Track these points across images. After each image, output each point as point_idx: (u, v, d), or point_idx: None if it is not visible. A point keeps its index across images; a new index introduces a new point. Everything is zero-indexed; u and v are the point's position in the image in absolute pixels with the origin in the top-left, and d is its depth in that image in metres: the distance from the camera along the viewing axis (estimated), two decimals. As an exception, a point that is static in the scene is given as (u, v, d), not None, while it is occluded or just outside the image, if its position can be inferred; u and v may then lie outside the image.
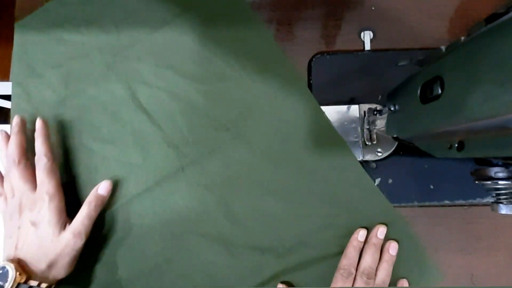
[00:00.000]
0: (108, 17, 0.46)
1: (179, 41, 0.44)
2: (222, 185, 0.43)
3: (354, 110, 0.47)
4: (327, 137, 0.44)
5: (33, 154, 0.39)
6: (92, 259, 0.42)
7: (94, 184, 0.42)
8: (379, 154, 0.47)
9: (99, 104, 0.44)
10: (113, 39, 0.46)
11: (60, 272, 0.35)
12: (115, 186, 0.44)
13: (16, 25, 0.48)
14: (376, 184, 0.45)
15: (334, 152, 0.43)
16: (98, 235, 0.43)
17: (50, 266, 0.34)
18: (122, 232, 0.43)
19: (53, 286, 0.35)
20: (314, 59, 0.49)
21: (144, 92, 0.45)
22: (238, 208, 0.43)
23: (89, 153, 0.44)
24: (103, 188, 0.41)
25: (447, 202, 0.46)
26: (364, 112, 0.47)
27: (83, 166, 0.44)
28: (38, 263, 0.34)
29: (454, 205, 0.46)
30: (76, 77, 0.46)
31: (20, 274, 0.32)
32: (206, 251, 0.43)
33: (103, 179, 0.44)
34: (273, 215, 0.42)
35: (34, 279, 0.33)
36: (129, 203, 0.44)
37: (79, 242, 0.36)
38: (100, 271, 0.42)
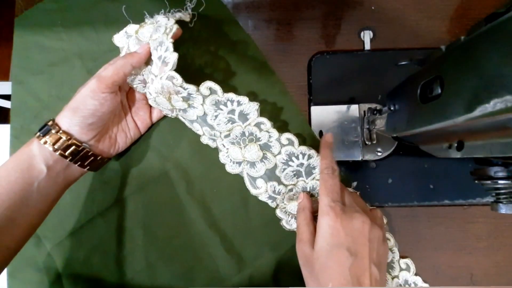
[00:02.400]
0: (88, 22, 0.47)
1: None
2: (203, 189, 0.44)
3: (354, 109, 0.47)
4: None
5: None
6: (75, 266, 0.43)
7: (76, 189, 0.42)
8: (379, 153, 0.47)
9: None
10: (94, 45, 0.46)
11: (77, 121, 0.35)
12: (95, 192, 0.44)
13: (16, 24, 0.48)
14: (352, 187, 0.45)
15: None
16: (82, 243, 0.44)
17: (74, 110, 0.35)
18: (104, 236, 0.44)
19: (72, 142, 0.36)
20: (314, 58, 0.49)
21: None
22: (217, 213, 0.43)
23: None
24: (141, 47, 0.38)
25: (447, 202, 0.46)
26: (364, 111, 0.47)
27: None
28: (65, 109, 0.36)
29: (454, 205, 0.46)
30: (58, 83, 0.46)
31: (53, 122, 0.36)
32: (186, 255, 0.43)
33: (84, 185, 0.44)
34: (252, 219, 0.43)
35: (59, 123, 0.35)
36: (112, 208, 0.44)
37: (100, 86, 0.35)
38: (85, 277, 0.43)
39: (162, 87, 0.37)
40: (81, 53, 0.47)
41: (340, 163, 0.44)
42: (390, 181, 0.47)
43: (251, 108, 0.39)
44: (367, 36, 0.49)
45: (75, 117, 0.35)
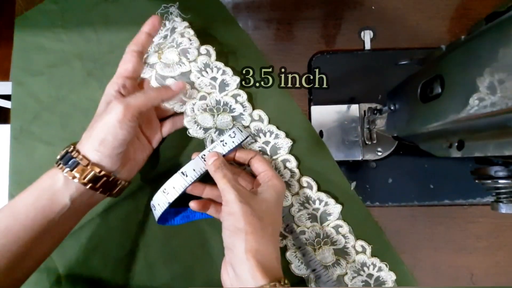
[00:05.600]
0: (88, 24, 0.46)
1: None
2: None
3: (354, 109, 0.47)
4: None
5: None
6: (74, 266, 0.43)
7: None
8: (379, 153, 0.47)
9: (80, 110, 0.44)
10: (94, 46, 0.46)
11: (107, 153, 0.32)
12: None
13: (16, 25, 0.48)
14: (352, 188, 0.45)
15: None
16: (81, 243, 0.43)
17: (102, 141, 0.32)
18: (104, 237, 0.44)
19: (97, 171, 0.33)
20: (314, 58, 0.49)
21: None
22: None
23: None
24: (176, 84, 0.37)
25: (447, 201, 0.46)
26: (364, 111, 0.47)
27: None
28: (90, 139, 0.33)
29: (454, 205, 0.46)
30: (58, 84, 0.46)
31: (74, 148, 0.33)
32: (186, 255, 0.43)
33: None
34: None
35: (86, 155, 0.32)
36: (111, 208, 0.44)
37: (128, 116, 0.32)
38: (85, 277, 0.43)
39: (219, 102, 0.41)
40: (81, 54, 0.47)
41: (340, 163, 0.44)
42: (390, 181, 0.47)
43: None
44: (367, 36, 0.49)
45: (105, 149, 0.32)
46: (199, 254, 0.43)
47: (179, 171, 0.34)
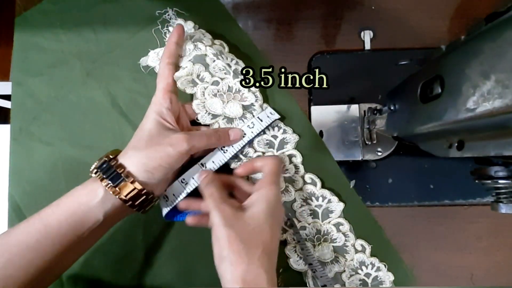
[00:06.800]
0: (87, 24, 0.46)
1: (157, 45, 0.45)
2: None
3: (354, 109, 0.47)
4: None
5: None
6: (75, 266, 0.42)
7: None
8: (379, 153, 0.47)
9: (80, 111, 0.45)
10: (92, 46, 0.46)
11: (158, 177, 0.32)
12: None
13: (16, 25, 0.48)
14: (351, 186, 0.45)
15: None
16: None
17: (156, 168, 0.32)
18: (104, 237, 0.43)
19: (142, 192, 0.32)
20: (314, 58, 0.49)
21: (124, 97, 0.45)
22: None
23: (71, 160, 0.44)
24: (234, 132, 0.37)
25: (447, 202, 0.46)
26: (364, 111, 0.47)
27: (64, 174, 0.44)
28: (144, 160, 0.32)
29: (454, 205, 0.46)
30: (57, 85, 0.46)
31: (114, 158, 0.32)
32: (186, 254, 0.43)
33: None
34: None
35: (133, 172, 0.31)
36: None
37: (189, 153, 0.32)
38: (85, 277, 0.43)
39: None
40: (80, 54, 0.47)
41: (340, 163, 0.44)
42: (390, 181, 0.47)
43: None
44: (367, 36, 0.49)
45: (158, 173, 0.32)
46: (200, 254, 0.43)
47: (199, 163, 0.35)
